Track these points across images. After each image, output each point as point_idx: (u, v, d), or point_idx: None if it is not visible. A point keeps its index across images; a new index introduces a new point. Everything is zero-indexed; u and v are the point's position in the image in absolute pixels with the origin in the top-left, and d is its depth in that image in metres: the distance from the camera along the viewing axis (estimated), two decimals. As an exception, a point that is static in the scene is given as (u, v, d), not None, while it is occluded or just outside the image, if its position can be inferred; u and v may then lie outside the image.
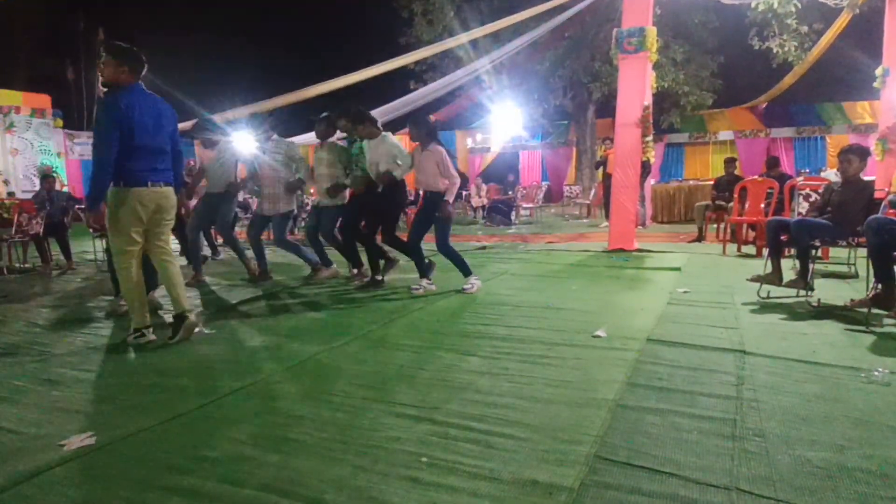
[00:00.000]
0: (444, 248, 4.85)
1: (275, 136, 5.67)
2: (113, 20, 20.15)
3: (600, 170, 11.07)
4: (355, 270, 5.63)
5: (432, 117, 6.09)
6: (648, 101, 7.51)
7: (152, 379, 2.90)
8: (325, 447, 2.07)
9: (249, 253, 5.85)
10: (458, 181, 4.83)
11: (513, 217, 12.14)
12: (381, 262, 5.38)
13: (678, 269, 5.70)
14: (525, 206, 13.12)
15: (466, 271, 4.92)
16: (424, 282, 4.91)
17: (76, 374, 3.00)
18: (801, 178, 7.14)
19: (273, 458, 2.00)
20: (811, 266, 4.09)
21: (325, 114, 5.50)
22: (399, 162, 4.96)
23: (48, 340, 3.67)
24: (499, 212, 11.82)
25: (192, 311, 3.63)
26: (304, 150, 6.55)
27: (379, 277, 5.28)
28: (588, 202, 13.76)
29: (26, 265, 7.39)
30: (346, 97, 8.34)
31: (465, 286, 4.85)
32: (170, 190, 3.54)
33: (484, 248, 8.01)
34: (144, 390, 2.74)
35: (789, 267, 4.30)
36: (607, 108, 14.53)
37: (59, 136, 16.44)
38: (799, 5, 8.92)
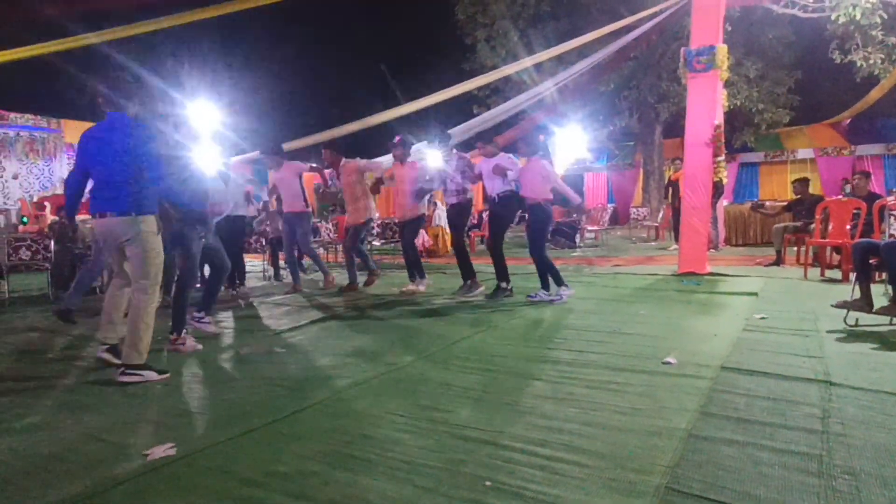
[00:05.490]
0: (538, 255, 5.33)
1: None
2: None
3: (669, 191, 10.75)
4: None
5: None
6: (720, 119, 7.26)
7: (226, 395, 3.03)
8: (391, 466, 2.09)
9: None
10: (564, 186, 5.43)
11: (577, 239, 11.94)
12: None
13: (755, 293, 5.42)
14: (590, 228, 12.87)
15: (559, 281, 5.32)
16: (563, 290, 5.32)
17: (159, 387, 3.19)
18: (892, 198, 6.65)
19: (340, 475, 2.04)
20: (906, 292, 3.80)
21: (399, 137, 6.34)
22: (510, 176, 5.44)
23: (134, 355, 3.91)
24: (562, 234, 11.63)
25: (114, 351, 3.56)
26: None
27: (504, 285, 5.64)
28: (656, 224, 13.36)
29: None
30: (414, 122, 8.62)
31: (555, 297, 5.28)
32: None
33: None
34: (220, 405, 2.88)
35: (880, 293, 3.99)
36: (675, 127, 14.15)
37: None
38: (885, 16, 8.40)
